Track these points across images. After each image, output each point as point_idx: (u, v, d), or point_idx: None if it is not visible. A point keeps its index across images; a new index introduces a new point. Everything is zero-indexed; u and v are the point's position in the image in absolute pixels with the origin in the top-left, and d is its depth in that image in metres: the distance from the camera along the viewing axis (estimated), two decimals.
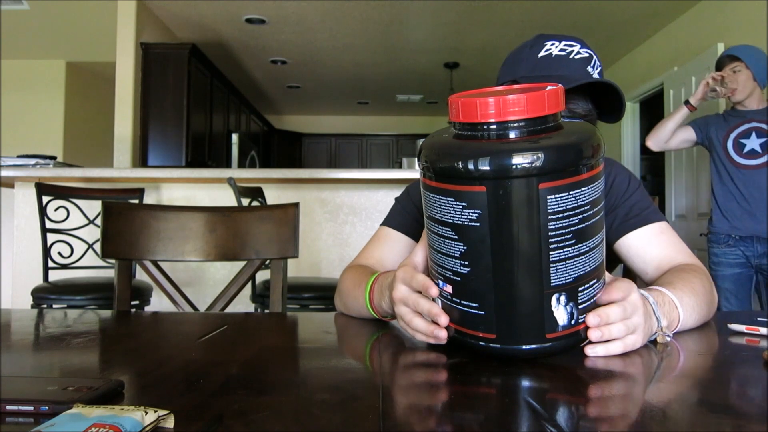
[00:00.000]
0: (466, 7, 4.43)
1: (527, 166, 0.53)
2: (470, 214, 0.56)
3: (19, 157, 2.96)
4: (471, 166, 0.54)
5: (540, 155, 0.53)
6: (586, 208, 0.56)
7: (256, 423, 0.44)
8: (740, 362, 0.68)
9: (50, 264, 2.46)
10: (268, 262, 1.35)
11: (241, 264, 1.35)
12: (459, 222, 0.57)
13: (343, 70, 6.24)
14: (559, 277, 0.57)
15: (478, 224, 0.56)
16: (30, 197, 2.86)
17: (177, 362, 0.65)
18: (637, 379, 0.60)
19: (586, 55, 0.92)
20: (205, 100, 4.92)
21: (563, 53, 0.91)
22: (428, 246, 0.64)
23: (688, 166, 3.94)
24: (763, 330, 0.76)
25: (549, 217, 0.55)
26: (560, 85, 0.59)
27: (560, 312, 0.58)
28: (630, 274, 1.04)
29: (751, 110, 2.45)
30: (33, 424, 0.39)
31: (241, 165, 5.57)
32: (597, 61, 0.94)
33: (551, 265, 0.56)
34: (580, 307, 0.59)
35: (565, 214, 0.55)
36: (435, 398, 0.55)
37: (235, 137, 5.50)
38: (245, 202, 2.67)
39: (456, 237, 0.58)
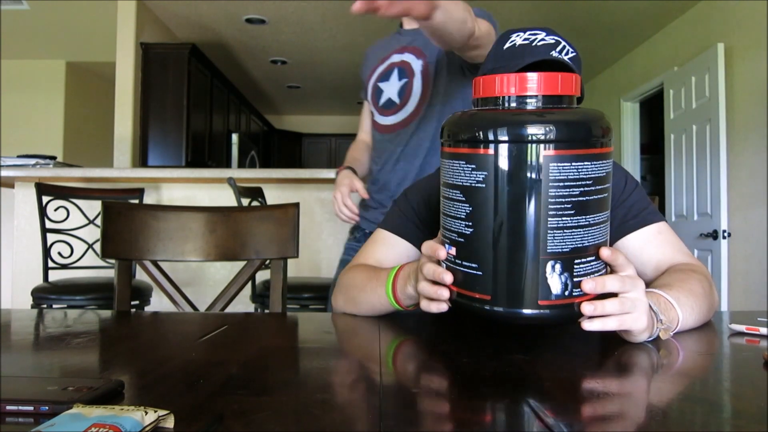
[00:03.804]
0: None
1: (532, 132, 0.58)
2: (477, 175, 0.60)
3: (19, 157, 2.96)
4: (479, 130, 0.60)
5: (546, 125, 0.58)
6: (588, 182, 0.59)
7: (256, 423, 0.44)
8: (740, 362, 0.68)
9: (50, 264, 2.46)
10: (268, 262, 1.35)
11: (241, 264, 1.34)
12: (467, 184, 0.61)
13: (343, 70, 6.24)
14: (556, 245, 0.59)
15: (483, 185, 0.60)
16: (30, 197, 2.86)
17: (177, 362, 0.65)
18: (637, 379, 0.60)
19: (552, 41, 0.91)
20: (205, 100, 4.92)
21: (527, 42, 0.91)
22: (441, 213, 0.68)
23: (688, 166, 3.94)
24: (763, 330, 0.76)
25: (550, 184, 0.58)
26: (576, 74, 0.64)
27: (554, 280, 0.59)
28: None
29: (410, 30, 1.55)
30: (33, 424, 0.39)
31: (241, 165, 5.56)
32: (567, 47, 0.93)
33: (549, 231, 0.59)
34: (575, 279, 0.60)
35: (566, 183, 0.58)
36: (435, 398, 0.54)
37: (235, 137, 5.50)
38: (245, 202, 2.67)
39: (463, 198, 0.62)
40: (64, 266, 2.52)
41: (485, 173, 0.59)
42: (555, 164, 0.58)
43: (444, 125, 0.66)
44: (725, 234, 3.54)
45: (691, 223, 3.88)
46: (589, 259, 0.61)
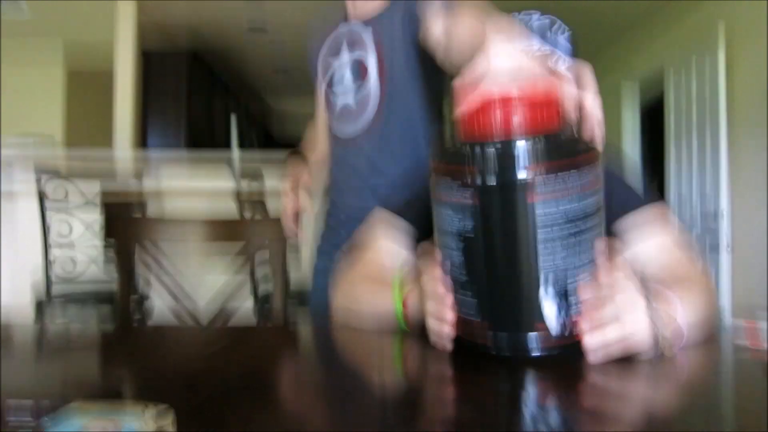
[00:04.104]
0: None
1: (518, 180, 0.55)
2: (465, 223, 0.59)
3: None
4: (462, 180, 0.57)
5: (531, 172, 0.55)
6: (579, 221, 0.57)
7: (256, 423, 0.44)
8: (741, 364, 0.68)
9: (53, 278, 2.46)
10: (268, 261, 1.35)
11: (241, 263, 1.35)
12: (456, 232, 0.60)
13: None
14: (552, 287, 0.58)
15: (472, 236, 0.58)
16: (32, 211, 2.87)
17: (177, 362, 0.65)
18: (639, 382, 0.60)
19: (547, 20, 0.90)
20: (205, 109, 4.91)
21: (521, 24, 0.89)
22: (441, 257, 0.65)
23: (688, 167, 3.94)
24: (761, 323, 0.75)
25: (540, 230, 0.56)
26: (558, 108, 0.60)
27: (551, 318, 0.58)
28: None
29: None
30: (33, 422, 0.39)
31: (242, 146, 5.52)
32: (562, 25, 0.92)
33: (542, 273, 0.57)
34: (573, 318, 0.59)
35: (556, 225, 0.56)
36: (435, 398, 0.55)
37: (235, 144, 5.49)
38: (246, 207, 2.67)
39: (454, 245, 0.60)
40: (66, 280, 2.50)
41: (473, 222, 0.58)
42: (544, 210, 0.56)
43: (430, 169, 0.63)
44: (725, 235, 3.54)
45: (693, 205, 3.88)
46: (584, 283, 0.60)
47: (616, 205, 0.88)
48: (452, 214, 0.59)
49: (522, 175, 0.55)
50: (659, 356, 0.65)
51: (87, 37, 4.93)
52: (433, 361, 0.68)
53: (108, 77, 4.43)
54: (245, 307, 2.39)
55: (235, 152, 3.90)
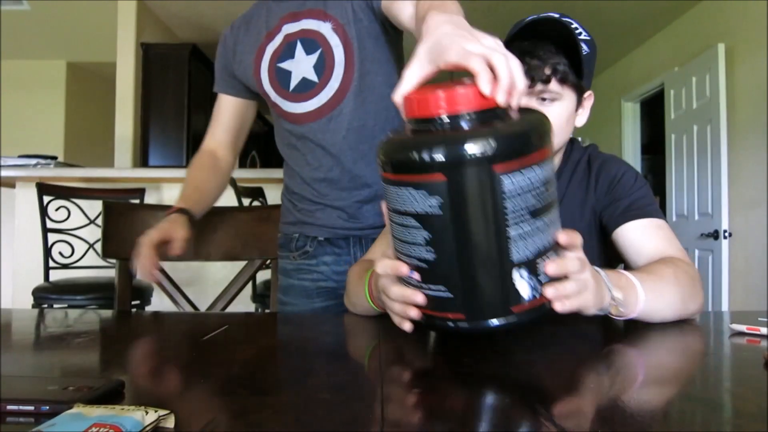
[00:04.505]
0: (466, 7, 4.39)
1: (481, 151, 0.56)
2: (431, 201, 0.59)
3: (20, 157, 2.97)
4: (427, 157, 0.57)
5: (492, 140, 0.56)
6: (539, 188, 0.59)
7: (256, 423, 0.44)
8: (740, 362, 0.68)
9: (51, 264, 2.47)
10: (268, 262, 1.35)
11: (241, 264, 1.35)
12: (422, 211, 0.60)
13: None
14: (520, 254, 0.59)
15: (440, 212, 0.59)
16: (31, 197, 2.86)
17: (177, 362, 0.65)
18: (638, 379, 0.60)
19: (565, 21, 0.96)
20: (205, 101, 4.91)
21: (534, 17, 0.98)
22: (392, 237, 0.66)
23: (689, 166, 3.93)
24: (763, 330, 0.76)
25: (505, 198, 0.58)
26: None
27: (523, 285, 0.60)
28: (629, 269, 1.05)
29: None
30: (33, 424, 0.39)
31: (242, 165, 5.56)
32: (580, 29, 0.98)
33: (511, 242, 0.59)
34: (539, 277, 0.61)
35: (520, 194, 0.58)
36: (435, 398, 0.54)
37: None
38: (246, 202, 2.67)
39: (419, 225, 0.61)
40: (64, 266, 2.52)
41: (439, 199, 0.58)
42: (508, 178, 0.57)
43: (380, 150, 0.64)
44: (726, 234, 3.54)
45: (691, 223, 3.88)
46: (548, 254, 0.62)
47: (618, 204, 0.95)
48: (414, 194, 0.60)
49: (483, 146, 0.56)
50: (607, 313, 0.72)
51: (88, 30, 4.93)
52: (430, 358, 0.68)
53: (109, 69, 4.44)
54: (245, 294, 2.40)
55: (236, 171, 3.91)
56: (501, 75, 0.59)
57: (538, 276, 0.61)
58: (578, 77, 0.96)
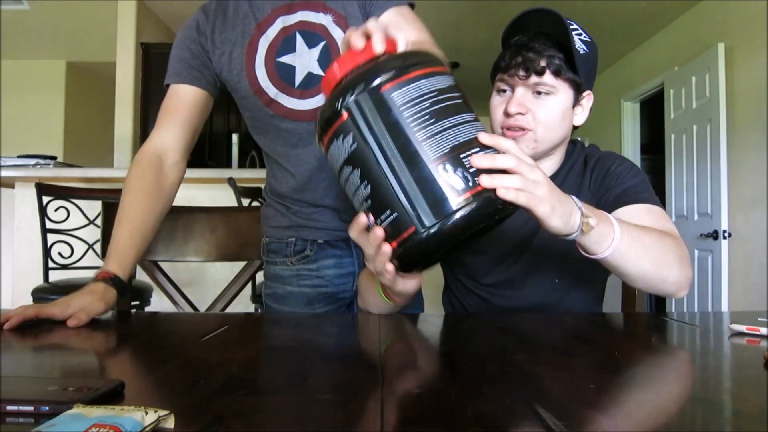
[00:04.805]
0: (467, 6, 4.43)
1: (364, 78, 0.67)
2: (348, 141, 0.67)
3: (19, 157, 2.96)
4: (329, 107, 0.69)
5: (372, 68, 0.68)
6: (432, 93, 0.67)
7: (256, 423, 0.44)
8: (740, 362, 0.68)
9: (50, 264, 2.46)
10: None
11: (241, 264, 1.35)
12: (347, 154, 0.68)
13: None
14: (435, 151, 0.65)
15: (357, 144, 0.67)
16: (30, 197, 2.87)
17: (177, 362, 0.65)
18: (638, 379, 0.60)
19: (567, 21, 0.97)
20: None
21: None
22: (350, 199, 0.73)
23: (689, 166, 3.94)
24: (763, 330, 0.76)
25: (402, 109, 0.66)
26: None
27: (454, 178, 0.64)
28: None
29: None
30: (33, 424, 0.39)
31: (242, 165, 5.55)
32: (581, 31, 1.00)
33: (424, 144, 0.65)
34: (470, 170, 0.65)
35: (414, 102, 0.66)
36: (436, 399, 0.54)
37: (235, 137, 5.48)
38: (245, 202, 2.67)
39: (351, 168, 0.68)
40: (64, 266, 2.52)
41: (353, 134, 0.67)
42: (396, 92, 0.66)
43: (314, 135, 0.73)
44: (726, 234, 3.54)
45: (691, 223, 3.88)
46: (472, 150, 0.66)
47: (616, 190, 0.96)
48: (338, 144, 0.68)
49: (364, 75, 0.67)
50: (577, 238, 0.73)
51: (87, 30, 4.93)
52: (430, 358, 0.68)
53: (109, 69, 4.44)
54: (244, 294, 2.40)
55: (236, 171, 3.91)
56: (372, 30, 0.71)
57: (469, 170, 0.65)
58: (573, 72, 0.97)
